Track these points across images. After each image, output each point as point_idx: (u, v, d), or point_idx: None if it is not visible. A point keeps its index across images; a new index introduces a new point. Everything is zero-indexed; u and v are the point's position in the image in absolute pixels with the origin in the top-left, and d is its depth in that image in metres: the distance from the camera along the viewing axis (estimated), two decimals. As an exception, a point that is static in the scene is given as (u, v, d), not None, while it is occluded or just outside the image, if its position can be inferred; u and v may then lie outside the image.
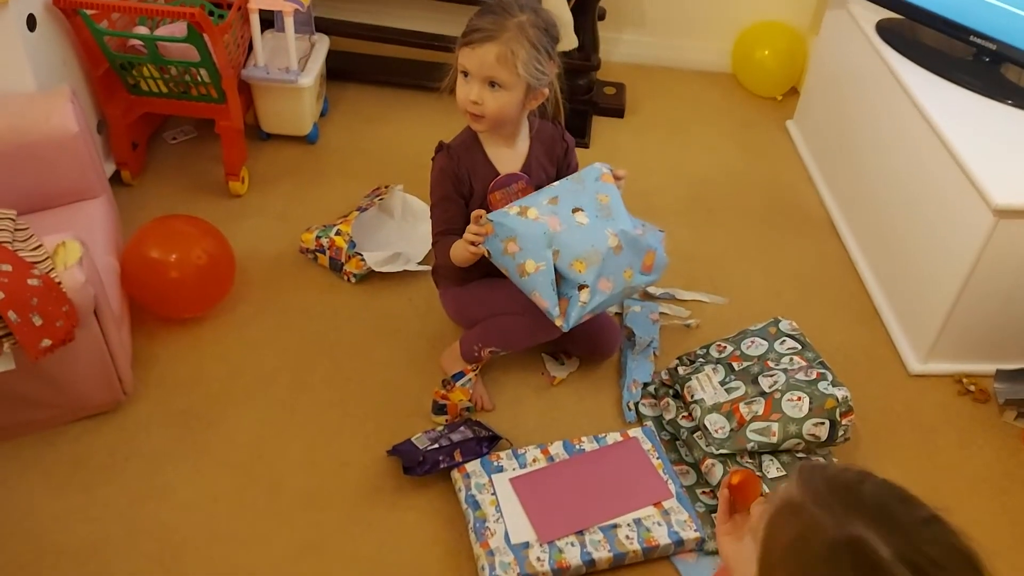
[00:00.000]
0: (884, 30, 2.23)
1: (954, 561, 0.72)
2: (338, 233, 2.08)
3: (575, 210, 1.61)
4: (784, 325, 1.85)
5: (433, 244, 1.77)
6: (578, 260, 1.59)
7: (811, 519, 0.74)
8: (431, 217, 1.75)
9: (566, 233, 1.59)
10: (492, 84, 1.58)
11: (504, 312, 1.76)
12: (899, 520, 0.73)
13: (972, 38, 2.06)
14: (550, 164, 1.78)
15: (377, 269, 2.05)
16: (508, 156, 1.71)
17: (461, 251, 1.65)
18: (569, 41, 2.55)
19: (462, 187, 1.68)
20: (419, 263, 2.10)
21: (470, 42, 1.58)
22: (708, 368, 1.80)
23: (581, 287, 1.60)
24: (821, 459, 1.70)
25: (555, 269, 1.58)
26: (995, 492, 1.76)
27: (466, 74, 1.60)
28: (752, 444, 1.65)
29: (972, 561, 0.72)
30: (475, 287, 1.80)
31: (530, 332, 1.76)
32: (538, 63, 1.59)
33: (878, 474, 0.81)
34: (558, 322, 1.61)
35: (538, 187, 1.72)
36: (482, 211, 1.61)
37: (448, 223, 1.71)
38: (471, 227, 1.61)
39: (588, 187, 1.66)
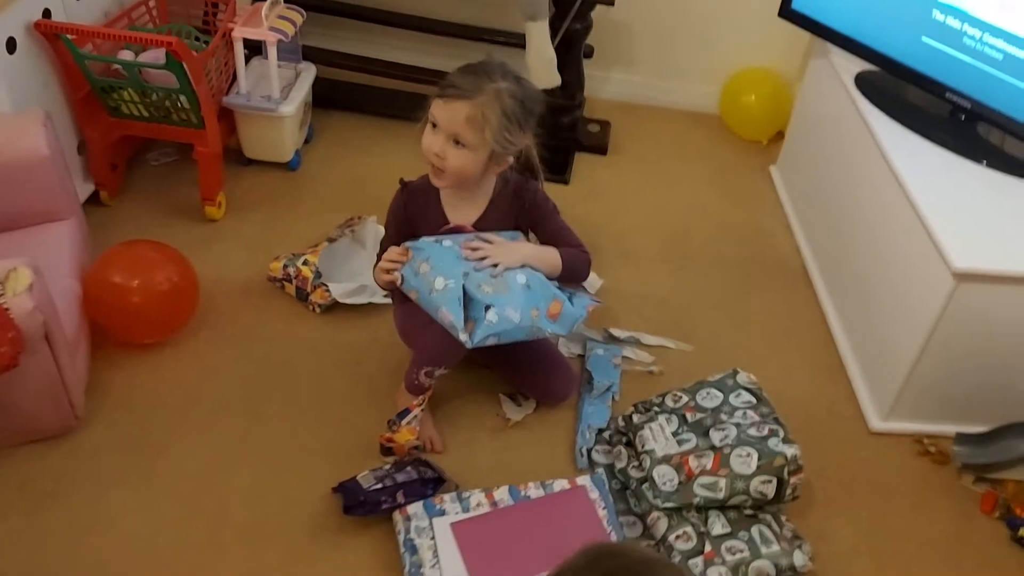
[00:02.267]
0: (863, 81, 2.23)
1: None
2: (305, 263, 2.09)
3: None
4: (742, 377, 1.84)
5: (374, 267, 1.79)
6: (487, 284, 1.62)
7: None
8: (380, 243, 1.81)
9: (477, 264, 1.64)
10: (457, 141, 1.59)
11: (428, 323, 1.71)
12: None
13: (948, 95, 2.05)
14: (508, 219, 1.76)
15: (342, 300, 2.06)
16: (463, 208, 1.72)
17: (377, 274, 1.71)
18: (552, 79, 2.56)
19: (403, 226, 1.71)
20: (384, 295, 2.11)
21: (445, 96, 1.59)
22: (662, 418, 1.79)
23: (487, 307, 1.61)
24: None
25: (464, 291, 1.61)
26: (945, 556, 1.74)
27: (435, 125, 1.61)
28: (699, 499, 1.64)
29: None
30: (406, 302, 1.78)
31: (444, 338, 1.67)
32: (508, 132, 1.59)
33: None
34: (462, 337, 1.61)
35: None
36: (400, 247, 1.67)
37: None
38: (388, 254, 1.67)
39: (508, 237, 1.73)
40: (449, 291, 1.61)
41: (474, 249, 1.65)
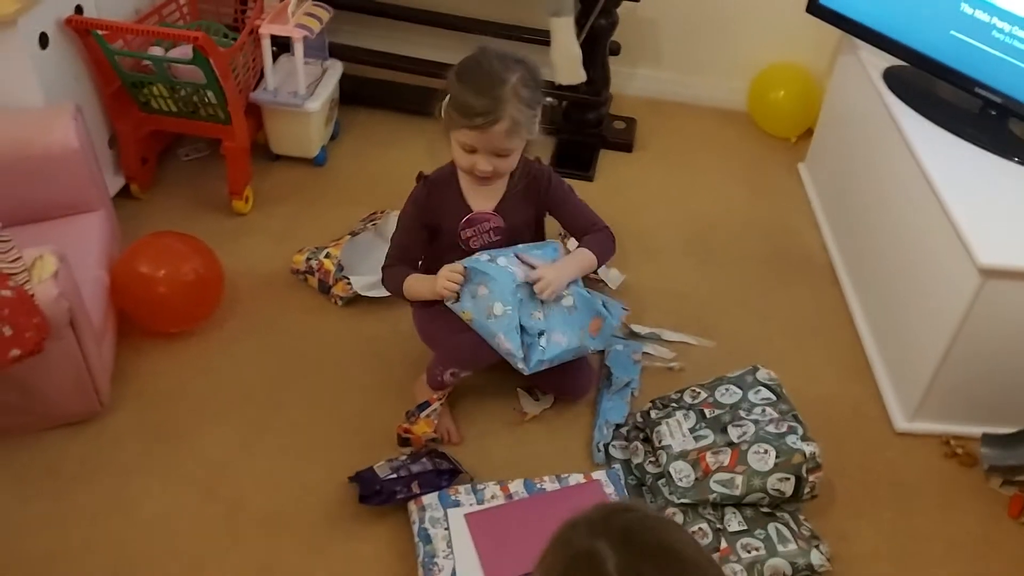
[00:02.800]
0: (891, 77, 2.19)
1: None
2: (328, 256, 2.11)
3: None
4: (761, 374, 1.82)
5: (384, 268, 1.78)
6: (536, 310, 1.68)
7: (571, 533, 0.91)
8: (391, 240, 1.78)
9: (528, 286, 1.67)
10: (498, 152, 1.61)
11: (459, 329, 1.73)
12: (634, 544, 0.86)
13: (978, 90, 2.01)
14: (528, 204, 1.79)
15: (363, 293, 2.07)
16: (483, 194, 1.72)
17: (426, 290, 1.69)
18: (578, 75, 2.56)
19: (429, 220, 1.70)
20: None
21: (474, 126, 1.57)
22: (679, 414, 1.78)
23: (540, 333, 1.66)
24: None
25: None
26: (970, 560, 1.70)
27: (473, 150, 1.61)
28: (715, 495, 1.63)
29: None
30: (429, 304, 1.79)
31: (478, 346, 1.71)
32: (535, 117, 1.62)
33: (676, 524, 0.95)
34: (519, 365, 1.65)
35: (511, 227, 1.76)
36: (458, 264, 1.65)
37: (404, 251, 1.75)
38: (448, 273, 1.64)
39: (549, 254, 1.75)
40: (508, 318, 1.64)
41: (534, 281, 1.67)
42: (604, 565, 0.83)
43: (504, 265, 1.67)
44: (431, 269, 1.73)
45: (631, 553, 0.85)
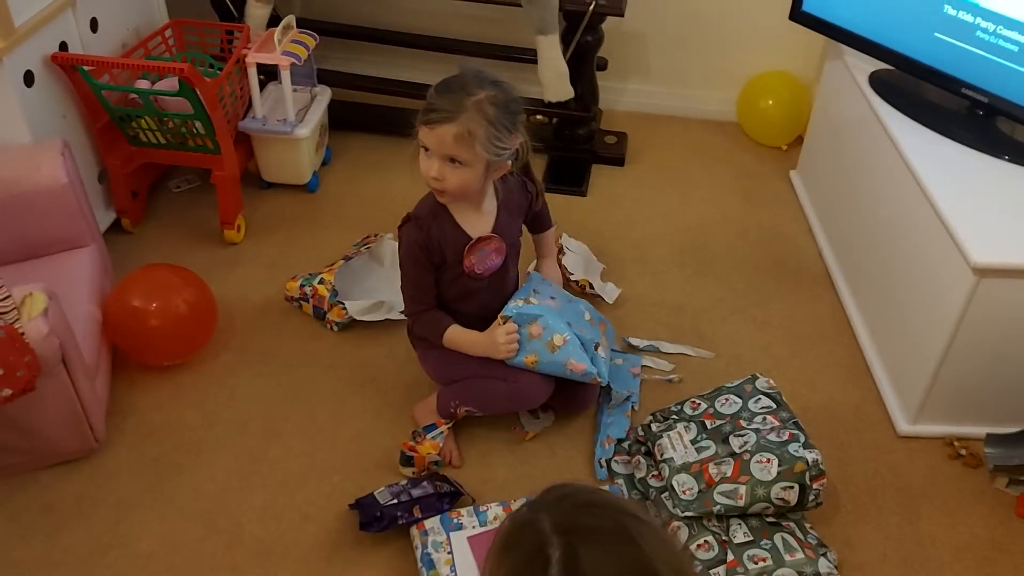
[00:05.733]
0: (878, 81, 2.19)
1: (607, 529, 0.88)
2: (321, 282, 2.10)
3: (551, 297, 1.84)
4: (761, 383, 1.81)
5: (414, 319, 1.78)
6: (577, 325, 1.81)
7: (512, 514, 0.96)
8: (404, 291, 1.77)
9: (562, 311, 1.79)
10: (452, 160, 1.59)
11: (488, 376, 1.77)
12: (567, 503, 0.92)
13: (964, 90, 2.01)
14: (517, 218, 1.80)
15: (358, 318, 2.07)
16: (476, 219, 1.72)
17: (480, 349, 1.73)
18: (566, 92, 2.57)
19: (434, 257, 1.69)
20: (401, 312, 2.11)
21: (428, 121, 1.57)
22: (680, 426, 1.76)
23: (596, 345, 1.80)
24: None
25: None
26: (980, 563, 1.68)
27: (427, 149, 1.61)
28: (719, 507, 1.61)
29: (626, 531, 0.87)
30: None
31: (508, 399, 1.79)
32: (498, 140, 1.58)
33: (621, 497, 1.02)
34: (598, 380, 1.77)
35: (510, 245, 1.78)
36: (504, 315, 1.73)
37: (425, 295, 1.74)
38: (505, 336, 1.70)
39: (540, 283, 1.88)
40: (570, 342, 1.73)
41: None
42: (541, 524, 0.88)
43: (538, 301, 1.77)
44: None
45: (564, 511, 0.90)
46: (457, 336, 1.73)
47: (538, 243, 1.98)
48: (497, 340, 1.70)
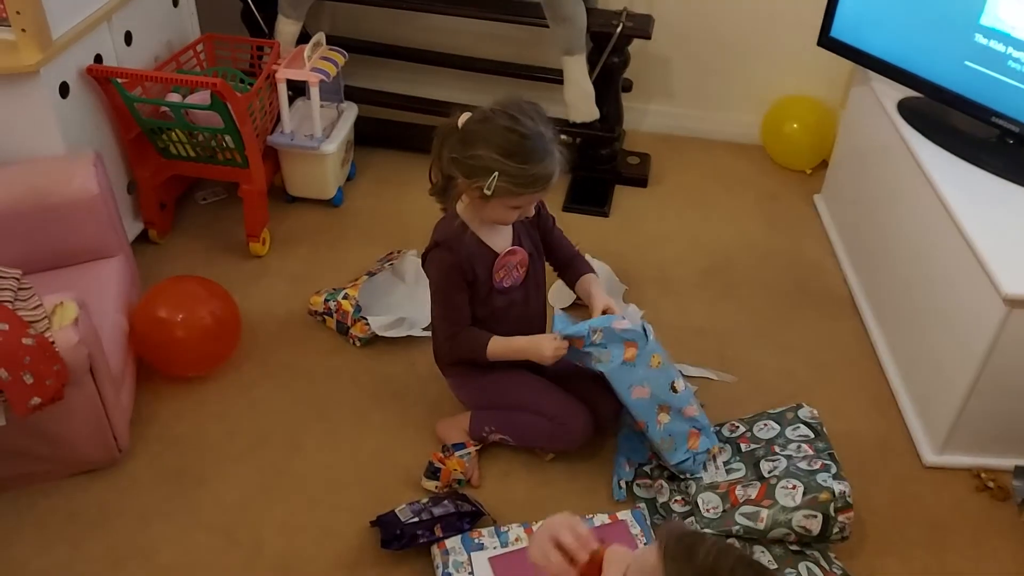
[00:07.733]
0: (905, 108, 2.18)
1: None
2: (345, 297, 2.11)
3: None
4: (804, 412, 1.81)
5: (452, 342, 1.77)
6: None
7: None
8: (436, 314, 1.79)
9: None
10: None
11: (531, 410, 1.78)
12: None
13: (994, 119, 2.00)
14: (532, 229, 1.82)
15: (381, 334, 2.07)
16: (498, 235, 1.74)
17: (530, 353, 1.71)
18: (591, 113, 2.58)
19: (467, 275, 1.71)
20: (424, 328, 2.11)
21: (543, 189, 1.63)
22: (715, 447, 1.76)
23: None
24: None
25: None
26: (1007, 598, 1.66)
27: (517, 207, 1.65)
28: (738, 528, 1.60)
29: None
30: (502, 378, 1.80)
31: (550, 438, 1.80)
32: None
33: (735, 550, 0.93)
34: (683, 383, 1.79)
35: (532, 255, 1.79)
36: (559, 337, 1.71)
37: (461, 315, 1.74)
38: (553, 343, 1.69)
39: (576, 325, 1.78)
40: (665, 364, 1.76)
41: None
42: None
43: (613, 323, 1.73)
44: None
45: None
46: (500, 346, 1.73)
47: (583, 291, 1.88)
48: (543, 345, 1.70)
